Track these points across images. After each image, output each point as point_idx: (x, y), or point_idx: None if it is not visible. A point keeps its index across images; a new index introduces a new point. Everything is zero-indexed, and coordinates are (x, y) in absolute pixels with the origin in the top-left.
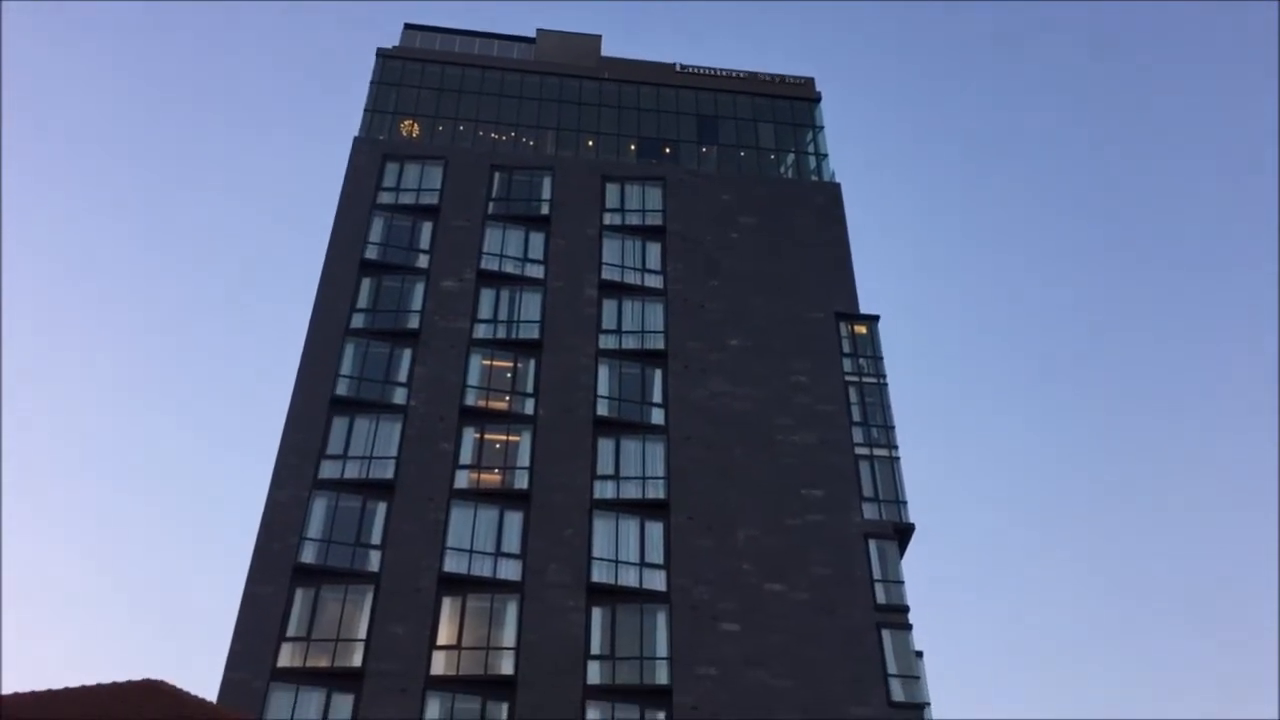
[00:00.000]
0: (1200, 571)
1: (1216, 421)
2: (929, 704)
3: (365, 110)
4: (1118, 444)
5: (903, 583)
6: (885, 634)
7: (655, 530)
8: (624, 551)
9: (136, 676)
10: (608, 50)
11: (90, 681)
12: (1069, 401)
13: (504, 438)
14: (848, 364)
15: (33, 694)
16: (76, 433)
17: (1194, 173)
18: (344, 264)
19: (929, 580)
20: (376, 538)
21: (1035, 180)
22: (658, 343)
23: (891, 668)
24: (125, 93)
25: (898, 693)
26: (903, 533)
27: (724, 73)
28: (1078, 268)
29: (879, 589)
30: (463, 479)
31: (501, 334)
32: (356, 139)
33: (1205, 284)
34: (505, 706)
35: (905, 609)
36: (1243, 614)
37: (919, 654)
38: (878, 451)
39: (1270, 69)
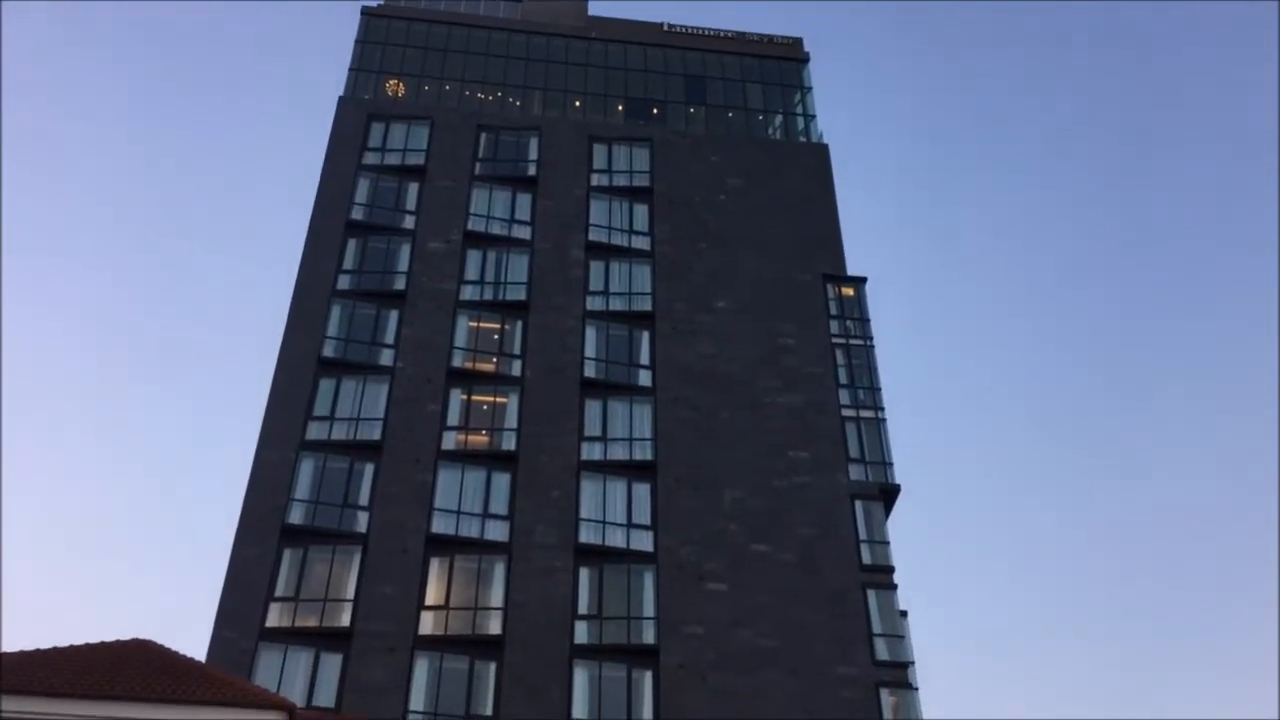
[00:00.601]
0: (1194, 532)
1: (1214, 385)
2: (913, 663)
3: (350, 69)
4: (1107, 404)
5: (888, 543)
6: (870, 594)
7: (642, 491)
8: (611, 512)
9: (125, 636)
10: (595, 10)
11: (79, 641)
12: (1057, 363)
13: (491, 399)
14: (835, 326)
15: (22, 653)
16: (63, 394)
17: (1196, 132)
18: (330, 225)
19: (915, 541)
20: (364, 499)
21: (1025, 140)
22: (645, 304)
23: (876, 627)
24: (107, 55)
25: (882, 652)
26: (888, 494)
27: (712, 32)
28: (1067, 227)
29: (864, 549)
30: (450, 440)
31: (488, 295)
32: (341, 99)
33: (1203, 252)
34: (493, 666)
35: (890, 569)
36: (1239, 574)
37: (904, 614)
38: (864, 413)
39: (1270, 69)
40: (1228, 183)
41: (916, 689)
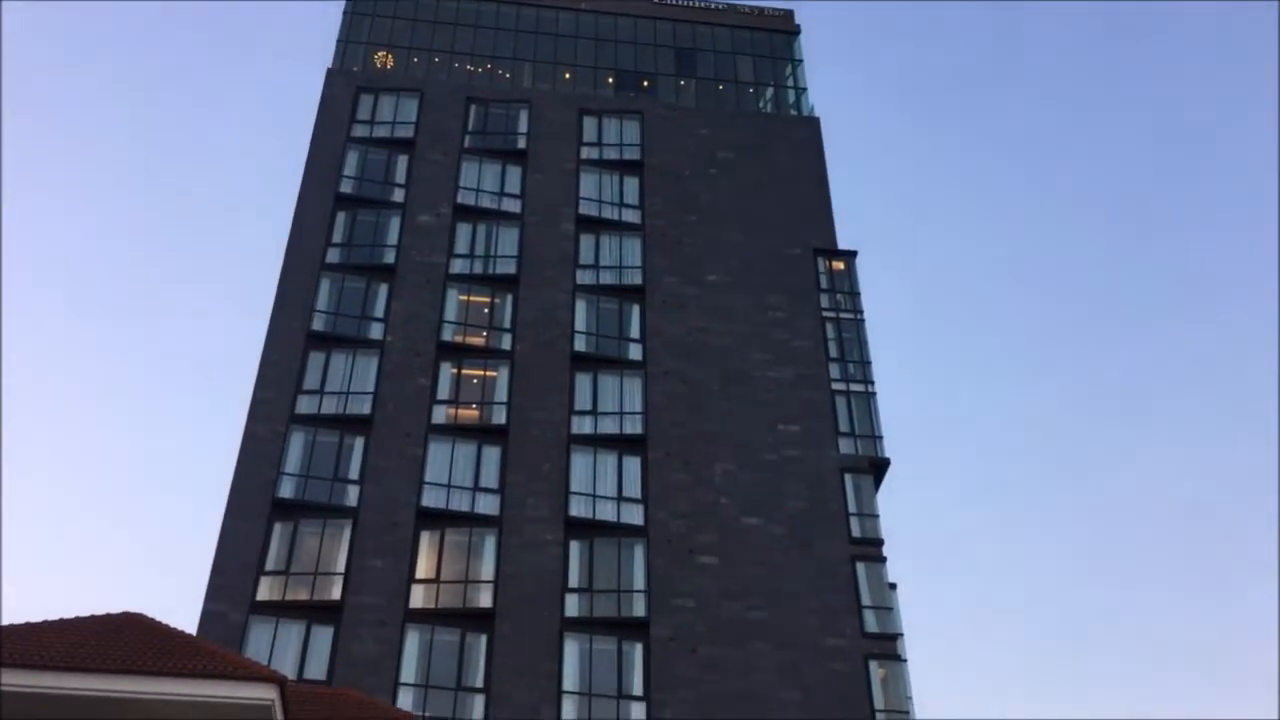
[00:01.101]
0: (1192, 506)
1: (1209, 352)
2: (902, 635)
3: (338, 40)
4: (1099, 378)
5: (877, 516)
6: (860, 566)
7: (633, 465)
8: (601, 486)
9: (116, 610)
10: None
11: (69, 615)
12: (1048, 337)
13: (481, 373)
14: (825, 300)
15: (12, 626)
16: (55, 368)
17: (1194, 105)
18: (319, 198)
19: (904, 514)
20: (354, 473)
21: (1019, 114)
22: (635, 278)
23: (866, 599)
24: (91, 22)
25: (872, 624)
26: (878, 467)
27: (702, 5)
28: (1062, 200)
29: (854, 522)
30: (440, 414)
31: (479, 269)
32: (329, 71)
33: (1202, 225)
34: (484, 639)
35: (880, 542)
36: (1238, 550)
37: (893, 586)
38: (854, 387)
39: (1270, 69)
40: (1227, 174)
41: (905, 660)
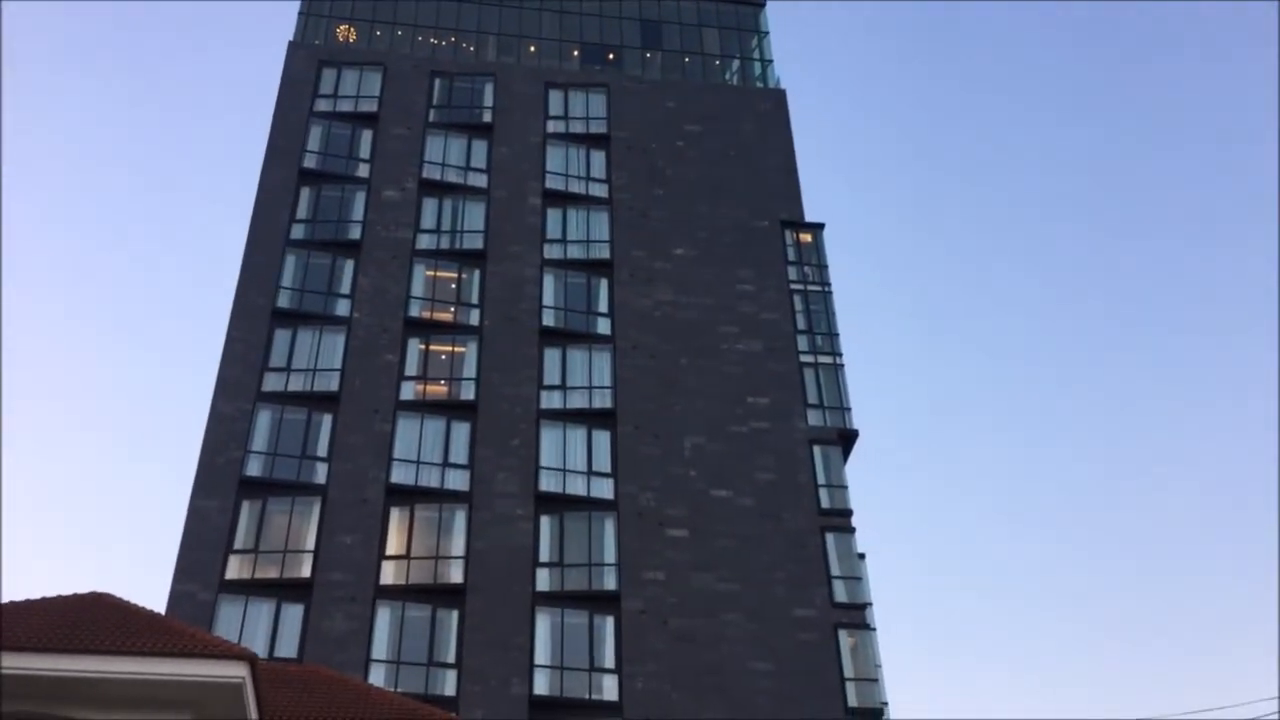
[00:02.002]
0: (1157, 477)
1: (1196, 349)
2: (871, 604)
3: (300, 14)
4: (1065, 345)
5: (846, 487)
6: (829, 537)
7: (602, 439)
8: (571, 460)
9: (83, 590)
10: None
11: (36, 595)
12: (1013, 305)
13: (449, 349)
14: (793, 272)
15: None
16: (17, 347)
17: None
18: (282, 173)
19: (873, 485)
20: (323, 450)
21: (987, 85)
22: (603, 252)
23: (835, 570)
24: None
25: (841, 593)
26: (846, 439)
27: None
28: (1025, 172)
29: (823, 494)
30: (408, 390)
31: (445, 244)
32: (291, 43)
33: (1195, 207)
34: (455, 614)
35: (848, 513)
36: (1231, 539)
37: (861, 556)
38: (822, 359)
39: (1270, 69)
40: (1225, 178)
41: (874, 630)
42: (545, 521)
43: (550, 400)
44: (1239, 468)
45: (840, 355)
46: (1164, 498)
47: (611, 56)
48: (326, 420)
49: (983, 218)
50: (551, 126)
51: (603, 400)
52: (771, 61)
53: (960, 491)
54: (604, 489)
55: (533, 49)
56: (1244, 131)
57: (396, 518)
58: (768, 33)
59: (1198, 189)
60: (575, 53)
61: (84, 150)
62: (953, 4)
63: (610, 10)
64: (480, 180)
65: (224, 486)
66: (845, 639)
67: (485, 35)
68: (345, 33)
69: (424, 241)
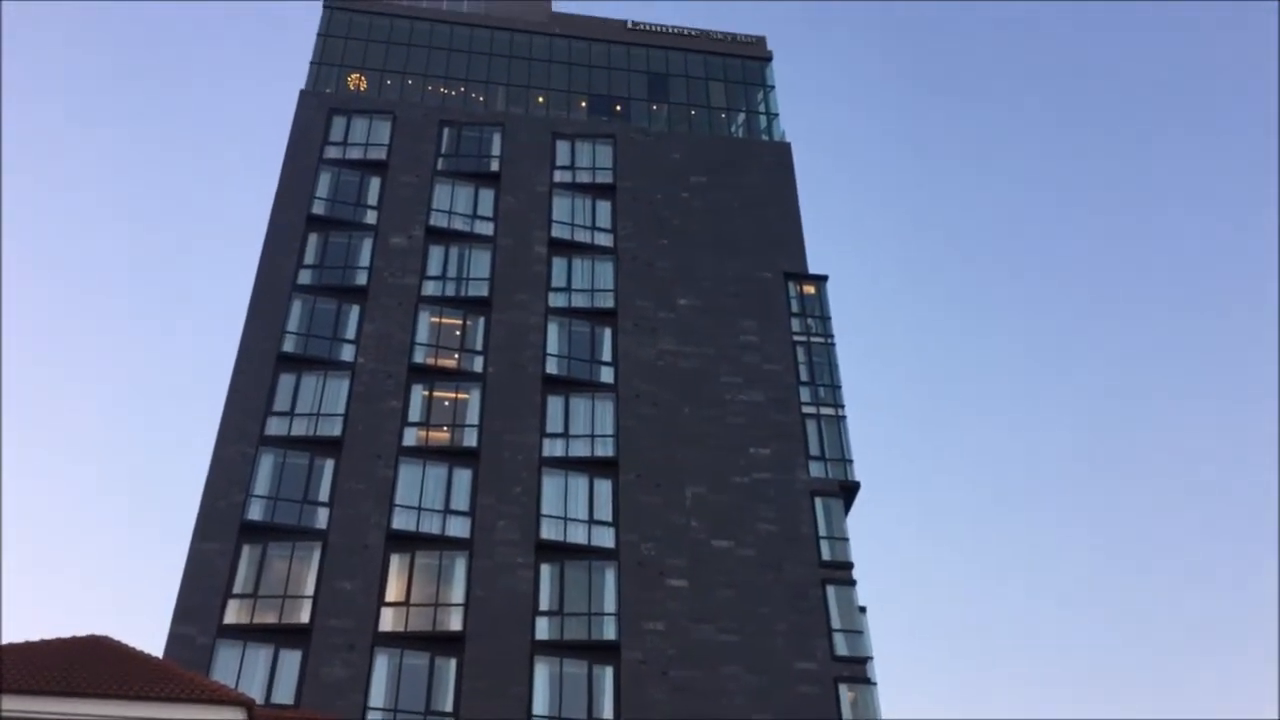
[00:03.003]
0: (1169, 524)
1: (1195, 378)
2: (872, 658)
3: (311, 63)
4: (1074, 399)
5: (847, 539)
6: (830, 589)
7: (604, 488)
8: (573, 509)
9: (82, 633)
10: (558, 6)
11: (35, 638)
12: (1015, 360)
13: (453, 395)
14: (796, 324)
15: None
16: (23, 392)
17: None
18: (291, 219)
19: (874, 538)
20: (324, 495)
21: (994, 138)
22: (607, 301)
23: (835, 622)
24: (69, 49)
25: (841, 647)
26: (848, 490)
27: (675, 30)
28: (1029, 227)
29: (824, 545)
30: (411, 436)
31: (450, 291)
32: (302, 92)
33: (1191, 246)
34: (454, 662)
35: (849, 565)
36: (1228, 566)
37: (863, 609)
38: (824, 410)
39: (1270, 69)
40: (1225, 180)
41: (875, 684)
42: (545, 570)
43: (552, 448)
44: (1240, 469)
45: (842, 407)
46: (1167, 571)
47: (618, 108)
48: (329, 465)
49: (994, 264)
50: (558, 176)
51: (605, 449)
52: (777, 115)
53: (954, 546)
54: (605, 538)
55: (541, 100)
56: (1244, 132)
57: (397, 564)
58: (773, 87)
59: (1200, 186)
60: (583, 104)
61: (93, 193)
62: (959, 65)
63: (618, 62)
64: (486, 228)
65: (225, 530)
66: (846, 693)
67: (494, 86)
68: (356, 81)
69: (429, 288)
